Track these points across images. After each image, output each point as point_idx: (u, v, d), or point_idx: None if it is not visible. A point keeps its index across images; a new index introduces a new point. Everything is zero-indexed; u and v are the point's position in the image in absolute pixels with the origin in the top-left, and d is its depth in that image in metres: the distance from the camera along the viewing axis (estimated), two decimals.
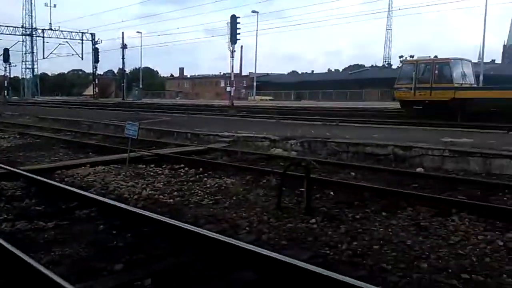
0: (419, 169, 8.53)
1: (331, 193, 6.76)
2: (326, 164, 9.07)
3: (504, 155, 8.09)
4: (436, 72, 19.79)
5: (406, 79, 20.75)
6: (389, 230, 5.06)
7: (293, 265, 3.72)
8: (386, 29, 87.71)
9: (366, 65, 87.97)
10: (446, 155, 8.79)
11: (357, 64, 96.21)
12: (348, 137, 11.11)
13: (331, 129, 13.86)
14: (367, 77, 57.99)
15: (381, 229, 5.08)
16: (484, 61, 43.58)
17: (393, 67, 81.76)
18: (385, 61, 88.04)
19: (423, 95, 19.80)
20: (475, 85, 21.33)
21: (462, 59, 20.75)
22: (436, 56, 21.44)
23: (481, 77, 36.44)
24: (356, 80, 56.82)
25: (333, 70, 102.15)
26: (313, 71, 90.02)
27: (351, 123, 17.17)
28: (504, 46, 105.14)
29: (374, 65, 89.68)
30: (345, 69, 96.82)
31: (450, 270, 3.92)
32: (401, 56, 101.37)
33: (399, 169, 8.56)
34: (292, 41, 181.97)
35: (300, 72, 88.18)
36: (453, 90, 18.81)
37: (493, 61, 74.38)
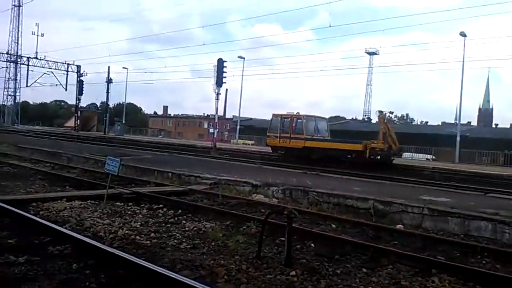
0: (399, 226, 8.54)
1: (312, 244, 6.69)
2: (307, 214, 9.03)
3: (482, 217, 8.18)
4: (294, 125, 24.93)
5: (275, 129, 25.89)
6: (370, 287, 4.99)
7: None
8: (367, 84, 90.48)
9: (346, 117, 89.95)
10: (425, 213, 8.85)
11: (338, 116, 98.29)
12: (329, 188, 11.14)
13: (312, 179, 13.92)
14: (348, 129, 59.00)
15: (362, 287, 5.01)
16: (461, 122, 44.94)
17: (373, 121, 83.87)
18: (365, 115, 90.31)
19: (285, 142, 24.92)
20: (328, 138, 25.98)
21: (315, 116, 26.77)
22: (298, 112, 26.36)
23: (458, 138, 37.54)
24: (337, 131, 57.66)
25: None
26: None
27: (332, 173, 17.29)
28: (480, 109, 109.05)
29: (354, 118, 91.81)
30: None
31: None
32: (380, 111, 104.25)
33: (380, 224, 8.56)
34: (276, 88, 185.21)
35: None
36: (303, 140, 24.04)
37: (469, 123, 77.05)
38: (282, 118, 26.06)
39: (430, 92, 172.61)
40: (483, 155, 39.83)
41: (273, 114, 27.64)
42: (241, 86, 51.47)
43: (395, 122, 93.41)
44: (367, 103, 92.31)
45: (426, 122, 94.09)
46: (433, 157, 40.83)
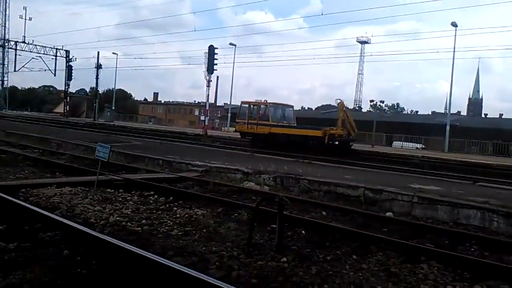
0: (388, 214, 8.62)
1: (303, 231, 6.74)
2: (298, 202, 9.08)
3: (471, 206, 8.29)
4: (260, 112, 26.24)
5: (243, 115, 27.36)
6: (360, 274, 5.04)
7: None
8: (358, 73, 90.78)
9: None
10: (415, 202, 8.94)
11: (329, 104, 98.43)
12: (320, 176, 11.19)
13: (304, 167, 13.97)
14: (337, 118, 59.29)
15: (352, 273, 5.06)
16: (451, 112, 45.27)
17: (363, 110, 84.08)
18: (356, 104, 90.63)
19: (252, 128, 26.21)
20: (294, 124, 27.25)
21: (281, 104, 28.40)
22: (266, 100, 27.45)
23: (447, 127, 37.86)
24: (328, 119, 57.79)
25: (306, 108, 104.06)
26: None
27: (324, 162, 17.36)
28: (469, 99, 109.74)
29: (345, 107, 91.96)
30: (317, 108, 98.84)
31: None
32: (372, 100, 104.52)
33: (369, 212, 8.64)
34: (267, 76, 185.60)
35: None
36: (269, 127, 25.34)
37: (459, 112, 77.68)
38: (250, 105, 27.53)
39: (421, 82, 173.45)
40: (472, 145, 40.25)
41: (242, 102, 29.27)
42: (232, 74, 51.44)
43: (385, 111, 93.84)
44: (358, 92, 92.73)
45: (416, 112, 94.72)
46: (423, 146, 41.19)
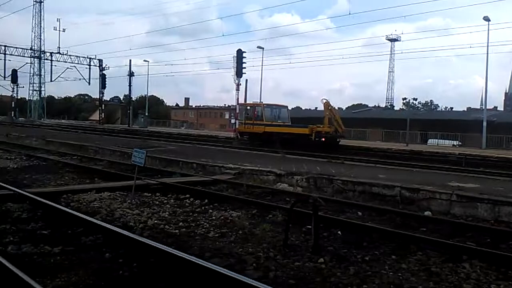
0: (427, 213, 8.45)
1: (339, 232, 6.69)
2: (332, 202, 9.01)
3: None
4: (256, 112, 28.34)
5: (241, 117, 29.97)
6: (399, 274, 4.97)
7: None
8: (389, 71, 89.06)
9: (368, 105, 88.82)
10: (453, 200, 8.72)
11: (360, 104, 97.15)
12: (354, 176, 11.07)
13: (336, 167, 13.84)
14: (371, 117, 58.27)
15: (391, 273, 4.99)
16: (487, 108, 43.81)
17: (396, 108, 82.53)
18: (388, 102, 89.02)
19: (249, 128, 28.49)
20: (288, 124, 29.00)
21: (276, 105, 30.28)
22: (262, 101, 30.44)
23: (484, 123, 36.65)
24: (359, 119, 56.99)
25: (336, 108, 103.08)
26: (316, 107, 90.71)
27: (356, 161, 17.17)
28: (506, 93, 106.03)
29: (377, 105, 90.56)
30: (348, 107, 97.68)
31: None
32: (404, 98, 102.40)
33: (407, 211, 8.48)
34: (296, 78, 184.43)
35: (303, 108, 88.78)
36: (263, 126, 27.43)
37: (495, 107, 75.06)
38: (246, 107, 30.14)
39: (455, 78, 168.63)
40: (511, 140, 38.82)
41: (239, 103, 31.81)
42: (261, 76, 51.21)
43: (419, 109, 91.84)
44: (390, 90, 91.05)
45: (451, 108, 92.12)
46: (460, 143, 40.04)
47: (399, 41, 79.07)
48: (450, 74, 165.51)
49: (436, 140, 41.61)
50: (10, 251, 5.12)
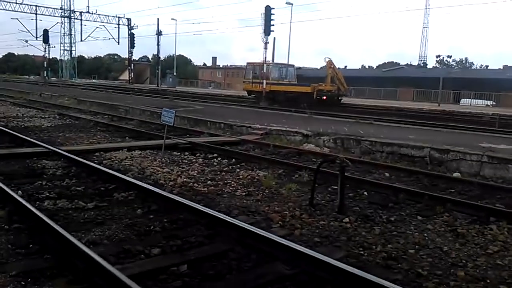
0: (456, 174, 8.34)
1: (365, 193, 6.71)
2: (360, 163, 9.00)
3: None
4: (262, 71, 29.27)
5: (248, 76, 30.49)
6: (425, 234, 4.99)
7: (326, 263, 3.72)
8: (423, 27, 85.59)
9: (401, 63, 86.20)
10: (484, 161, 8.56)
11: (392, 62, 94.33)
12: (383, 137, 10.95)
13: (365, 127, 13.69)
14: (402, 76, 56.67)
15: (417, 233, 5.02)
16: None
17: (429, 66, 79.73)
18: (421, 60, 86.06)
19: (256, 87, 29.32)
20: (294, 82, 30.21)
21: (282, 64, 32.17)
22: (269, 61, 31.18)
23: None
24: (390, 78, 55.52)
25: (366, 66, 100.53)
26: (346, 66, 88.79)
27: (386, 122, 16.92)
28: None
29: (409, 63, 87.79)
30: (379, 66, 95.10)
31: (488, 281, 3.85)
32: (438, 56, 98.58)
33: (435, 172, 8.39)
34: (325, 35, 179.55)
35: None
36: (269, 85, 28.52)
37: None
38: (254, 66, 30.85)
39: (491, 35, 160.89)
40: None
41: (247, 63, 32.28)
42: (289, 34, 50.32)
43: (453, 67, 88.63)
44: (423, 47, 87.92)
45: (487, 66, 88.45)
46: (493, 103, 38.73)
47: None
48: (487, 31, 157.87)
49: (470, 100, 40.35)
50: (47, 206, 5.37)
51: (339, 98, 27.19)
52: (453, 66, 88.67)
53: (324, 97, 25.89)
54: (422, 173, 8.23)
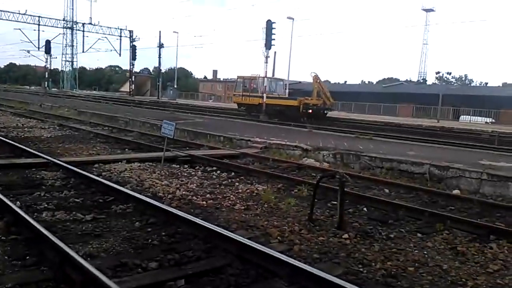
0: (455, 191, 8.32)
1: (364, 209, 6.69)
2: (359, 179, 8.98)
3: None
4: (252, 85, 30.45)
5: (239, 89, 31.35)
6: (425, 252, 4.96)
7: (326, 280, 3.68)
8: (423, 44, 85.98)
9: (400, 79, 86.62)
10: (484, 179, 8.55)
11: (391, 78, 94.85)
12: (382, 152, 10.96)
13: (364, 143, 13.70)
14: (402, 92, 56.90)
15: (416, 251, 4.99)
16: None
17: (428, 82, 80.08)
18: (420, 76, 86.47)
19: (246, 99, 30.22)
20: (284, 96, 31.43)
21: (271, 77, 32.29)
22: (259, 74, 31.34)
23: None
24: (390, 94, 55.79)
25: (366, 82, 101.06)
26: (346, 81, 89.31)
27: (385, 137, 16.94)
28: None
29: (409, 79, 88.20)
30: (378, 81, 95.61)
31: None
32: (437, 72, 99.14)
33: (435, 189, 8.37)
34: (325, 49, 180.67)
35: (332, 82, 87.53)
36: (259, 98, 29.31)
37: None
38: (244, 79, 31.66)
39: (491, 52, 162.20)
40: None
41: (237, 76, 33.00)
42: (290, 48, 50.54)
43: (452, 83, 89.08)
44: (423, 64, 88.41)
45: (486, 83, 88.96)
46: (493, 121, 38.86)
47: (434, 11, 76.21)
48: (487, 48, 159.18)
49: (469, 116, 40.49)
50: (45, 217, 5.34)
51: (325, 112, 28.16)
52: (452, 83, 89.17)
53: (310, 110, 26.76)
54: (422, 189, 8.21)
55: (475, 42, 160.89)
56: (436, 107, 37.45)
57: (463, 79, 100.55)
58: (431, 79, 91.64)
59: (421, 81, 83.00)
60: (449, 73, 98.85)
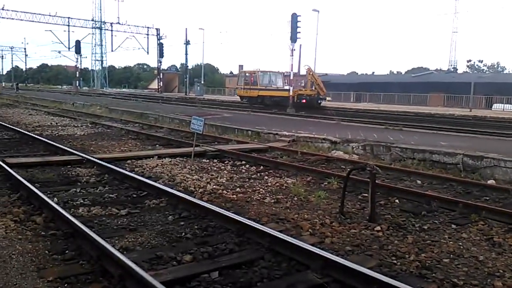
0: (490, 181, 8.11)
1: (396, 200, 6.60)
2: (390, 170, 8.86)
3: None
4: (252, 78, 32.86)
5: (241, 82, 34.24)
6: (460, 243, 4.87)
7: (359, 272, 3.67)
8: (452, 32, 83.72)
9: (430, 68, 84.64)
10: None
11: (421, 67, 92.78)
12: (413, 143, 10.77)
13: (395, 134, 13.50)
14: (432, 81, 55.55)
15: (451, 242, 4.90)
16: None
17: (459, 71, 77.89)
18: (451, 65, 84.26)
19: (247, 92, 33.00)
20: (281, 88, 32.79)
21: (270, 71, 34.21)
22: (258, 69, 33.74)
23: None
24: (419, 83, 54.55)
25: (395, 72, 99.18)
26: (373, 72, 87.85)
27: (416, 128, 16.62)
28: None
29: (439, 69, 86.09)
30: (408, 71, 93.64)
31: None
32: (468, 60, 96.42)
33: (469, 179, 8.19)
34: (353, 41, 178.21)
35: (359, 73, 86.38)
36: (257, 90, 32.07)
37: None
38: (245, 73, 34.61)
39: None
40: None
41: (240, 71, 36.22)
42: (316, 41, 50.15)
43: (484, 71, 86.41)
44: (453, 52, 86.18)
45: None
46: None
47: None
48: None
49: (502, 105, 39.22)
50: (81, 213, 5.51)
51: (319, 102, 29.93)
52: (484, 71, 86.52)
53: (304, 100, 28.76)
54: (456, 180, 8.04)
55: (507, 29, 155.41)
56: (468, 96, 36.42)
57: (495, 66, 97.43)
58: (462, 68, 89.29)
59: (452, 70, 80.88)
60: (481, 61, 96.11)
